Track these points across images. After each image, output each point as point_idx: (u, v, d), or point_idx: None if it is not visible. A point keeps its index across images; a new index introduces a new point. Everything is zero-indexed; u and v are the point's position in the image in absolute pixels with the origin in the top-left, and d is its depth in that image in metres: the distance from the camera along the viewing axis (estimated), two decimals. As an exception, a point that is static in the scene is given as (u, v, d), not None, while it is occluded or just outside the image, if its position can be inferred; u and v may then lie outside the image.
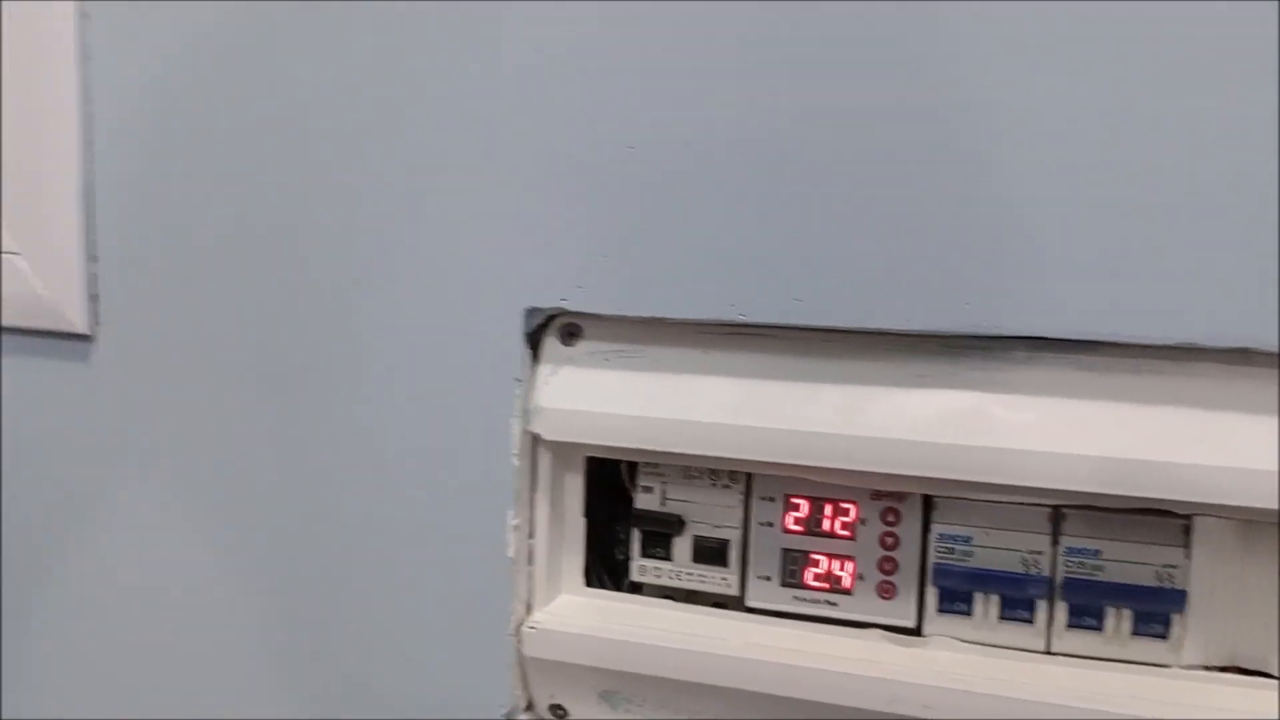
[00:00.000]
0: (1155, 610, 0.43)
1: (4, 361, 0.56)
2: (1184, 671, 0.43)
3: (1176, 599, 0.43)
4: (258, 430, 0.52)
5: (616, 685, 0.49)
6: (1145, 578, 0.43)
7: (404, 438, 0.50)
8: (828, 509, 0.47)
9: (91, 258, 0.53)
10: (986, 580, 0.45)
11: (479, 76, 0.47)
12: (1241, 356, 0.40)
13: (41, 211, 0.53)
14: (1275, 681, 0.42)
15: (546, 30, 0.45)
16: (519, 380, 0.48)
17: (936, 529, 0.46)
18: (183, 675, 0.56)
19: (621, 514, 0.51)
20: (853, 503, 0.47)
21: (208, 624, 0.55)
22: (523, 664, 0.50)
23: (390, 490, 0.50)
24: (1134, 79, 0.39)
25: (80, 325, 0.54)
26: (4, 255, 0.54)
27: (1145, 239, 0.40)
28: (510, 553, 0.49)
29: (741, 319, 0.45)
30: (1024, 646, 0.45)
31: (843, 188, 0.43)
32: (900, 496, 0.46)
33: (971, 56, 0.41)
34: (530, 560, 0.50)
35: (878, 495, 0.47)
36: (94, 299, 0.54)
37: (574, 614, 0.50)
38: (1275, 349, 0.39)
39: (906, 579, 0.46)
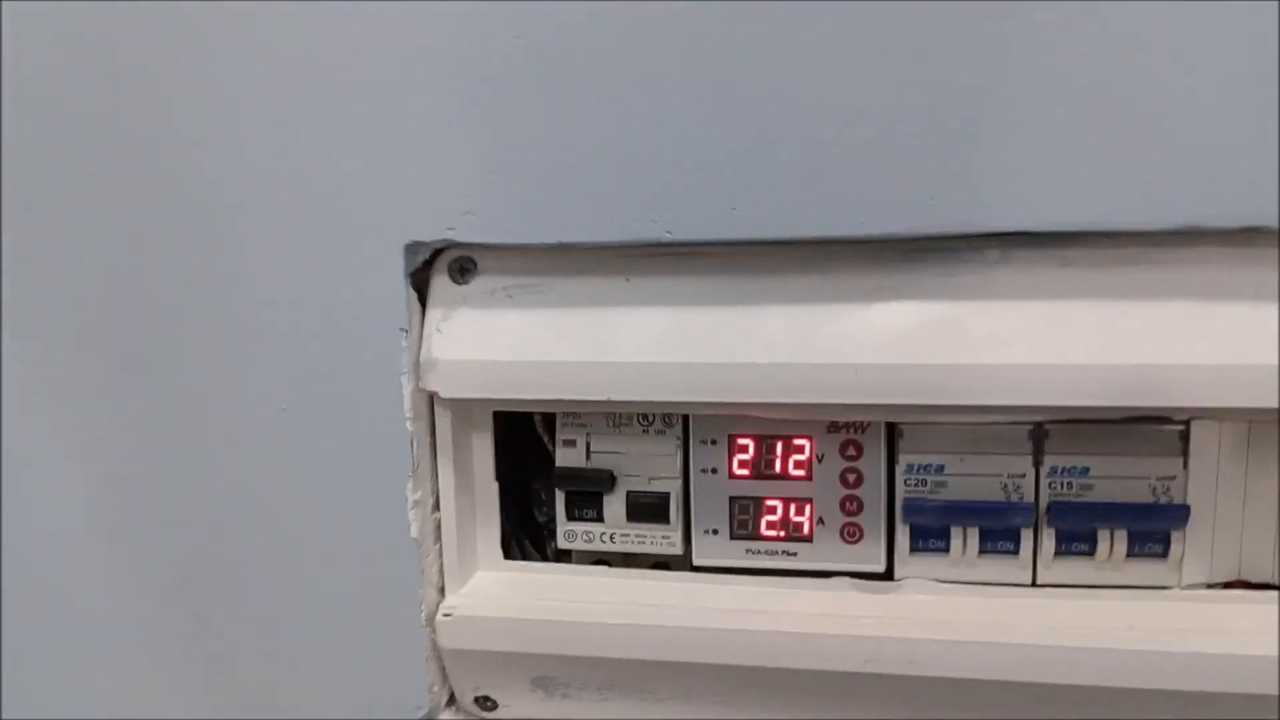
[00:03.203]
0: (1152, 528, 0.41)
1: None
2: (1185, 592, 0.41)
3: (1176, 514, 0.40)
4: (135, 411, 0.46)
5: (551, 670, 0.45)
6: (1140, 494, 0.41)
7: (284, 408, 0.44)
8: (779, 448, 0.44)
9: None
10: (963, 512, 0.42)
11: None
12: (1245, 237, 0.36)
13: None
14: (1280, 593, 0.40)
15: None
16: (405, 330, 0.43)
17: (904, 459, 0.43)
18: (72, 678, 0.50)
19: (541, 471, 0.47)
20: (807, 438, 0.43)
21: (95, 627, 0.49)
22: (440, 656, 0.46)
23: (275, 470, 0.45)
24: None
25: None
26: None
27: (1131, 112, 0.35)
28: (414, 532, 0.44)
29: (668, 237, 0.40)
30: (1009, 581, 0.43)
31: (778, 69, 0.37)
32: (860, 427, 0.43)
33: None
34: (438, 538, 0.46)
35: (835, 427, 0.43)
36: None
37: (494, 593, 0.46)
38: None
39: (873, 519, 0.43)
